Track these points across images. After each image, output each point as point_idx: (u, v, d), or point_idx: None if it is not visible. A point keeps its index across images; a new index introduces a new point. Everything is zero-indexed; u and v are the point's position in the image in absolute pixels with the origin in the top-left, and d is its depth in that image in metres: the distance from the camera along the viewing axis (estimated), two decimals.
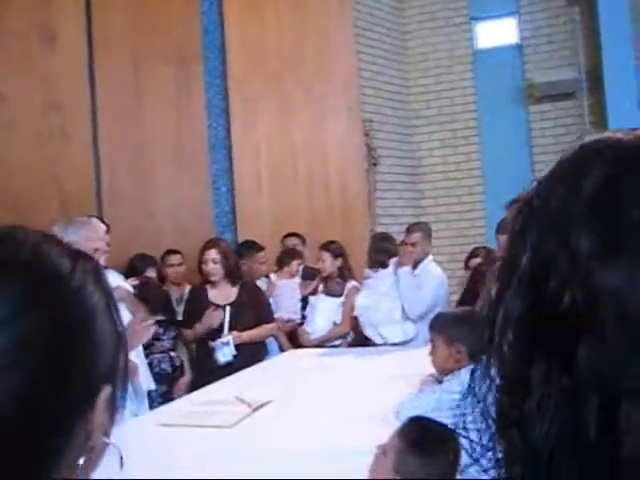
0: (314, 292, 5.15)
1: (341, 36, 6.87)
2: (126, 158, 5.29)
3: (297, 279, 5.18)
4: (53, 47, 4.84)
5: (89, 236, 3.19)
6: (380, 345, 4.50)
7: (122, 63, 5.32)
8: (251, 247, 5.23)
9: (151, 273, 4.59)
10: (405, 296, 4.49)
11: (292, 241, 5.64)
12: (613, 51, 7.15)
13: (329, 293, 5.02)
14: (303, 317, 5.06)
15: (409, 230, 4.89)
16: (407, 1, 8.22)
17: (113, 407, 0.58)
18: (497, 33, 8.15)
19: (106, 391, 0.57)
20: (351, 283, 5.03)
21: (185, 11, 5.83)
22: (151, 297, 4.14)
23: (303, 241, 5.70)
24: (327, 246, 5.05)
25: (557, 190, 0.52)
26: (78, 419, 0.55)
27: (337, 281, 5.02)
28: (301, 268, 5.26)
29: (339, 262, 5.01)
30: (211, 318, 4.31)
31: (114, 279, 3.81)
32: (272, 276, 5.13)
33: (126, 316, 3.65)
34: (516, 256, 0.53)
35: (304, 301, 5.11)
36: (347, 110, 6.79)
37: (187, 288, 4.90)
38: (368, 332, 4.57)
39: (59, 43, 4.88)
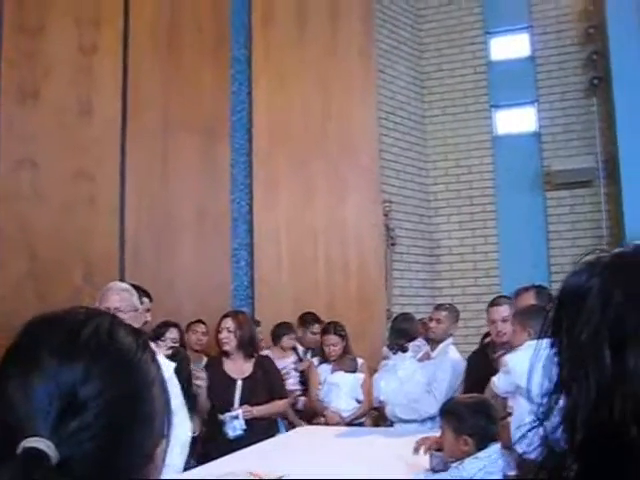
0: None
1: (364, 118, 7.07)
2: (150, 227, 5.42)
3: (292, 357, 5.25)
4: (89, 119, 5.05)
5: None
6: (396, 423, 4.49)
7: (152, 132, 5.52)
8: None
9: (171, 335, 4.64)
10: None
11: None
12: (629, 142, 7.30)
13: (344, 369, 5.02)
14: (303, 391, 5.10)
15: (437, 307, 4.93)
16: (428, 87, 8.49)
17: (164, 458, 0.69)
18: (516, 120, 8.37)
19: (163, 444, 0.68)
20: (360, 359, 5.04)
21: (215, 88, 6.08)
22: (179, 368, 4.23)
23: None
24: (334, 329, 5.02)
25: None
26: (141, 470, 0.65)
27: (350, 357, 5.03)
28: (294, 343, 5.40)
29: (344, 342, 5.04)
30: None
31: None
32: (267, 352, 5.16)
33: None
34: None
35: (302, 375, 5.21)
36: (367, 190, 6.92)
37: (204, 360, 4.94)
38: (390, 415, 4.57)
39: (94, 114, 5.09)
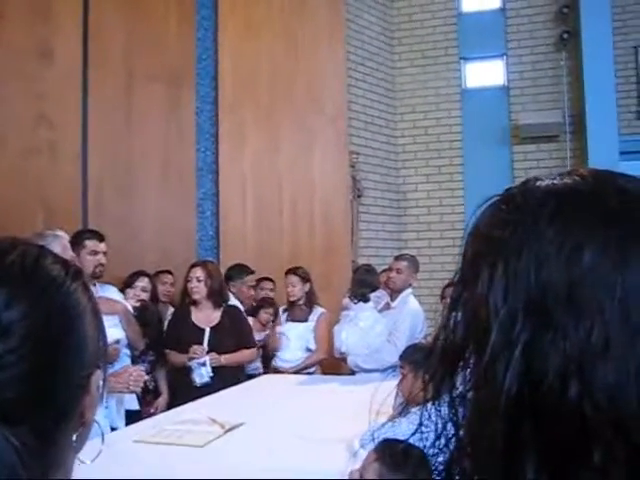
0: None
1: (332, 68, 6.99)
2: (114, 176, 5.33)
3: (268, 329, 5.26)
4: (49, 62, 4.90)
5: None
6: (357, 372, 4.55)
7: (115, 81, 5.39)
8: (240, 270, 5.27)
9: (141, 284, 4.61)
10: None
11: (267, 285, 5.63)
12: (596, 98, 7.33)
13: (295, 319, 5.06)
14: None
15: (397, 258, 4.96)
16: (398, 38, 8.41)
17: (100, 388, 0.68)
18: (485, 73, 8.34)
19: (96, 374, 0.67)
20: (319, 309, 5.08)
21: (180, 36, 5.93)
22: (148, 322, 4.24)
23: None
24: (295, 271, 5.08)
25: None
26: (75, 399, 0.65)
27: (301, 307, 5.06)
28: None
29: (307, 287, 5.06)
30: (193, 351, 4.31)
31: (113, 294, 3.89)
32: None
33: (120, 334, 3.71)
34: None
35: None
36: (334, 141, 6.87)
37: (170, 310, 4.94)
38: (352, 365, 4.63)
39: (55, 59, 4.94)
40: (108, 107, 5.32)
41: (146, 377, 4.43)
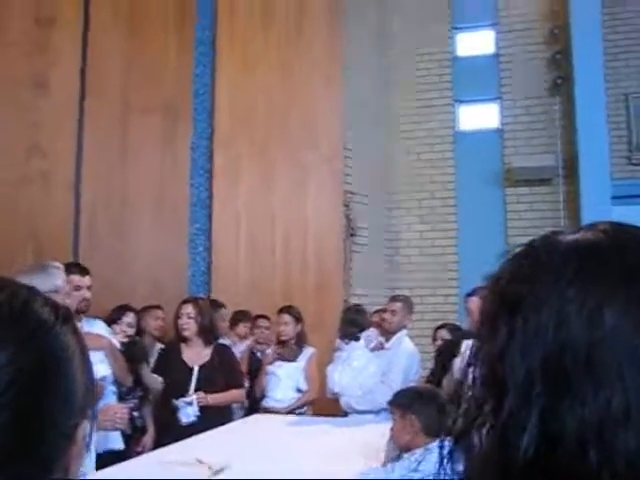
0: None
1: (328, 107, 7.02)
2: (107, 208, 5.30)
3: (247, 342, 5.26)
4: (44, 92, 4.90)
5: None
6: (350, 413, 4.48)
7: (112, 113, 5.39)
8: (213, 304, 5.23)
9: (127, 319, 4.54)
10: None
11: (262, 323, 5.61)
12: (589, 142, 7.39)
13: (284, 359, 5.00)
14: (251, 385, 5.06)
15: (392, 298, 4.93)
16: (393, 79, 8.48)
17: (87, 441, 0.64)
18: (479, 116, 8.42)
19: (84, 425, 0.63)
20: (310, 349, 5.02)
21: (179, 70, 5.97)
22: (135, 358, 4.16)
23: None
24: (289, 310, 5.04)
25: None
26: (61, 450, 0.61)
27: (292, 347, 5.01)
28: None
29: (299, 327, 5.02)
30: None
31: (100, 329, 3.81)
32: (225, 339, 5.11)
33: (106, 370, 3.62)
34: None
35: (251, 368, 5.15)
36: (329, 180, 6.88)
37: (157, 346, 4.86)
38: (346, 406, 4.56)
39: (50, 89, 4.94)
40: (103, 138, 5.31)
41: (135, 414, 4.37)
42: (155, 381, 4.28)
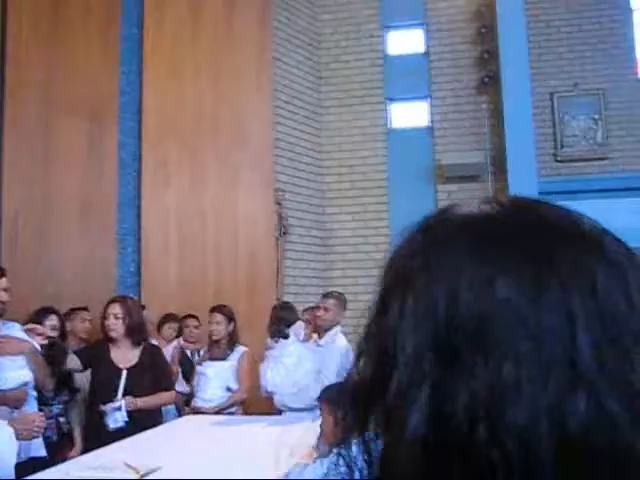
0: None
1: (258, 106, 6.99)
2: (30, 211, 5.15)
3: (174, 343, 5.22)
4: None
5: None
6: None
7: (33, 111, 5.23)
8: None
9: (50, 322, 4.40)
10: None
11: (191, 322, 5.57)
12: (516, 141, 7.56)
13: (213, 358, 4.94)
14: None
15: (325, 295, 4.92)
16: (325, 78, 8.50)
17: None
18: (410, 114, 8.51)
19: None
20: (241, 348, 4.98)
21: (104, 69, 5.83)
22: (56, 360, 4.01)
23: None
24: (221, 309, 4.99)
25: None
26: None
27: (219, 346, 4.96)
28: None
29: (231, 326, 4.97)
30: None
31: (17, 333, 3.66)
32: (153, 341, 5.03)
33: (28, 375, 3.49)
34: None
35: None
36: (259, 178, 6.84)
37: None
38: (279, 404, 4.54)
39: None
40: (24, 142, 5.14)
41: (61, 419, 4.24)
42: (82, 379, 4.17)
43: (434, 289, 0.50)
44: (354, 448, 0.56)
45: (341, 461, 0.58)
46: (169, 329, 5.38)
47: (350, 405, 0.56)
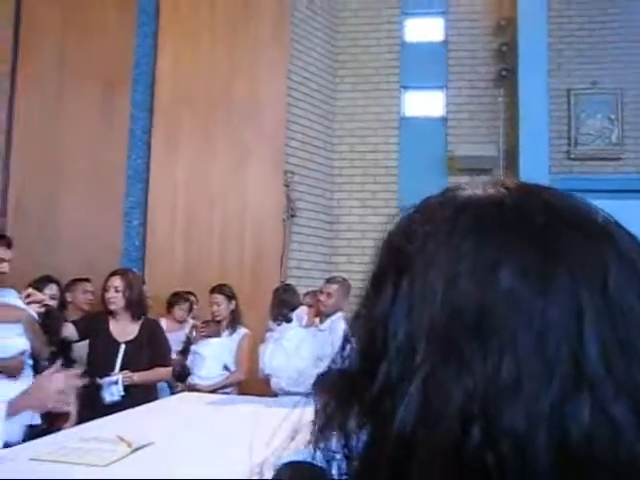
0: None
1: (273, 85, 6.94)
2: (38, 177, 5.12)
3: (186, 329, 5.17)
4: None
5: None
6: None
7: (47, 75, 5.19)
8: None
9: (50, 291, 4.39)
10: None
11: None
12: (530, 136, 7.50)
13: (207, 335, 4.92)
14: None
15: (328, 280, 4.88)
16: (341, 62, 8.43)
17: None
18: (424, 103, 8.44)
19: None
20: (243, 330, 4.95)
21: (120, 39, 5.79)
22: (53, 329, 4.00)
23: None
24: (221, 288, 4.95)
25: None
26: None
27: (210, 324, 4.93)
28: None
29: (232, 305, 4.94)
30: None
31: (14, 300, 3.64)
32: (162, 320, 5.00)
33: (25, 344, 3.48)
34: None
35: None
36: (270, 158, 6.80)
37: None
38: (276, 388, 4.53)
39: None
40: (37, 105, 5.11)
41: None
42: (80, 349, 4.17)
43: (431, 273, 0.46)
44: (333, 441, 0.52)
45: (318, 455, 0.55)
46: (180, 310, 5.31)
47: (333, 394, 0.53)
